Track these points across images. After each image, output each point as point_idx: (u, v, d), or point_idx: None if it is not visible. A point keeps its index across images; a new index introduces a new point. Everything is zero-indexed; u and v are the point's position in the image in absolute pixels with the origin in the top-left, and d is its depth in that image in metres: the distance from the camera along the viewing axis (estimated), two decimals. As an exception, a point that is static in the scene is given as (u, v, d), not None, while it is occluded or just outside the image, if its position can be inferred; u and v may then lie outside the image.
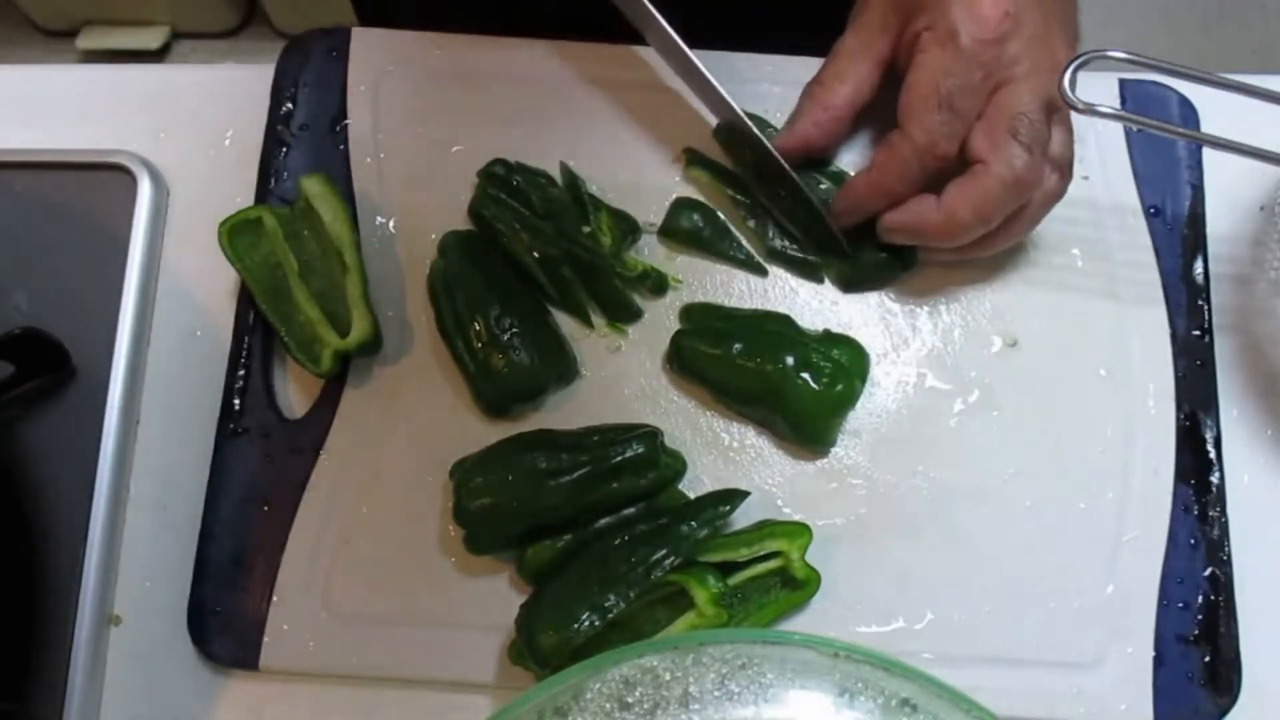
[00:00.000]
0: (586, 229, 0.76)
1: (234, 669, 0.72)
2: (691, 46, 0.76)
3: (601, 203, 0.78)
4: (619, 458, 0.71)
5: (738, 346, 0.73)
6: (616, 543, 0.69)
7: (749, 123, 0.76)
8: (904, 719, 0.52)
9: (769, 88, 0.81)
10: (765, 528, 0.71)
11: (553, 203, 0.77)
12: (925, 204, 0.71)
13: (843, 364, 0.72)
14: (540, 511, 0.70)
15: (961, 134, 0.69)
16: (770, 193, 0.78)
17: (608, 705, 0.52)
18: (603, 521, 0.71)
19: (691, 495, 0.73)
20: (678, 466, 0.73)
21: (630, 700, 0.52)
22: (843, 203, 0.75)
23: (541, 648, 0.66)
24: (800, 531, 0.70)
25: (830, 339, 0.74)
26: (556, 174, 0.79)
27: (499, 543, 0.71)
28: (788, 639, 0.55)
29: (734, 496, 0.71)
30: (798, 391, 0.71)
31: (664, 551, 0.68)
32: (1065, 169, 0.72)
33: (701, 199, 0.79)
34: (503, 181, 0.77)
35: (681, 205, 0.78)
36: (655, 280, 0.77)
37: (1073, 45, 0.71)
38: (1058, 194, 0.72)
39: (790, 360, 0.72)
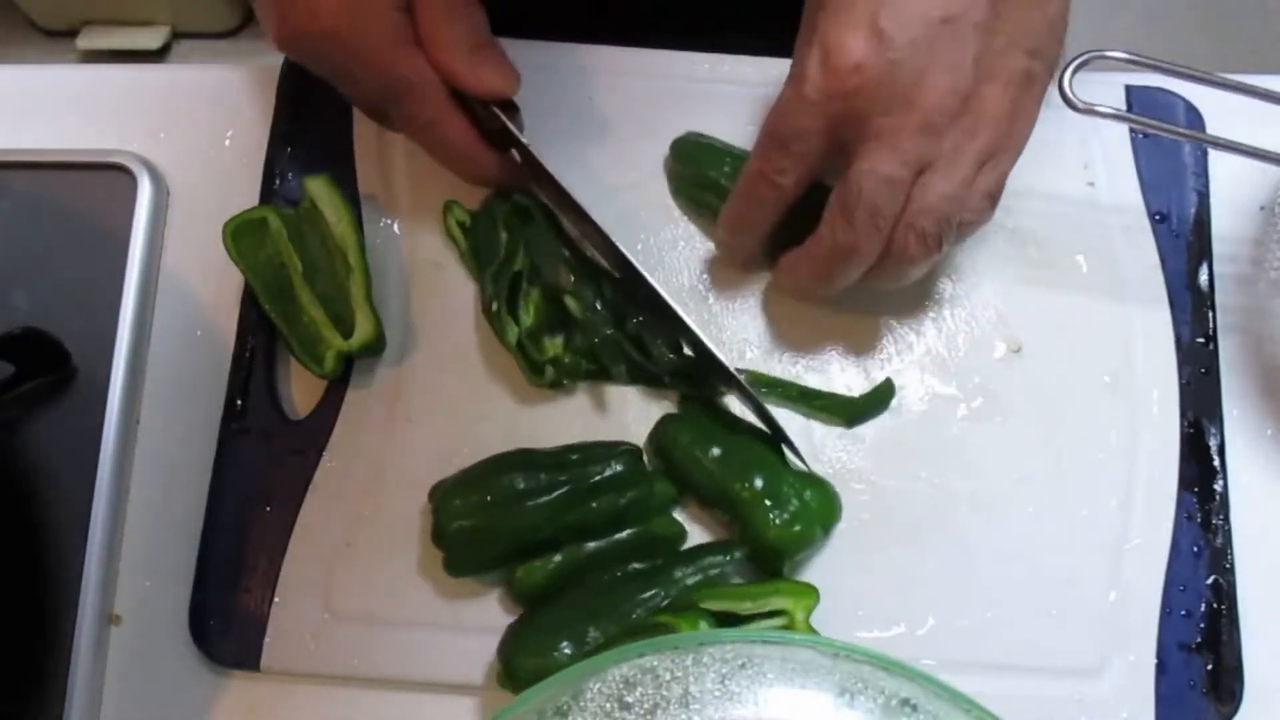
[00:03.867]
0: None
1: (235, 670, 0.73)
2: (649, 45, 0.77)
3: (538, 281, 0.77)
4: (598, 477, 0.71)
5: (715, 451, 0.72)
6: (607, 578, 0.70)
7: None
8: (904, 719, 0.53)
9: (728, 89, 0.81)
10: (772, 585, 0.70)
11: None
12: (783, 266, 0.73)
13: (810, 506, 0.71)
14: (519, 532, 0.70)
15: (799, 174, 0.68)
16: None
17: (608, 705, 0.53)
18: (593, 545, 0.71)
19: (686, 514, 0.74)
20: (671, 494, 0.73)
21: (630, 700, 0.53)
22: (720, 232, 0.76)
23: (517, 673, 0.67)
24: (807, 593, 0.70)
25: (808, 478, 0.72)
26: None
27: (478, 565, 0.72)
28: (788, 639, 0.56)
29: (732, 547, 0.71)
30: (757, 516, 0.70)
31: (653, 592, 0.69)
32: (923, 236, 0.67)
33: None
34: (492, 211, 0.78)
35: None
36: (552, 379, 0.75)
37: (993, 77, 0.65)
38: (911, 261, 0.68)
39: (759, 483, 0.71)
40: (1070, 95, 0.69)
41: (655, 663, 0.54)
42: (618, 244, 0.74)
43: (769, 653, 0.54)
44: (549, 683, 0.55)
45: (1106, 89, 0.82)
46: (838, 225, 0.66)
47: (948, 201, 0.66)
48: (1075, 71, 0.69)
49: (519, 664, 0.67)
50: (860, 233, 0.66)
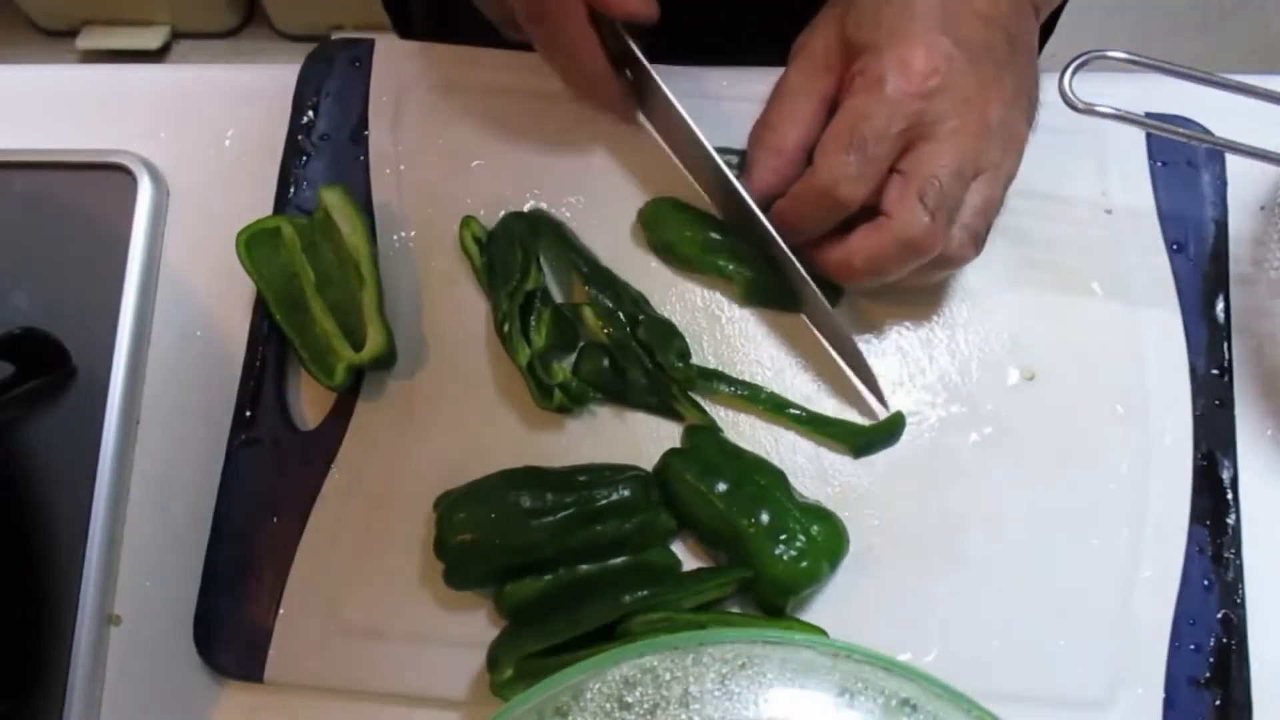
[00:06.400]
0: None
1: (239, 681, 0.75)
2: (670, 61, 0.80)
3: (550, 302, 0.80)
4: (604, 500, 0.73)
5: (721, 486, 0.74)
6: (595, 594, 0.72)
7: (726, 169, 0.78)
8: (904, 719, 0.56)
9: (747, 106, 0.82)
10: (785, 622, 0.72)
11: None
12: (831, 242, 0.75)
13: (817, 541, 0.72)
14: (521, 550, 0.72)
15: (871, 180, 0.71)
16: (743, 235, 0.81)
17: (608, 705, 0.55)
18: (585, 568, 0.74)
19: (682, 548, 0.76)
20: (670, 527, 0.75)
21: (630, 700, 0.55)
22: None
23: (498, 678, 0.70)
24: (818, 637, 0.71)
25: (815, 512, 0.74)
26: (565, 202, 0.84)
27: (478, 579, 0.74)
28: (788, 639, 0.59)
29: (731, 573, 0.73)
30: (763, 554, 0.72)
31: (644, 593, 0.71)
32: (973, 237, 0.74)
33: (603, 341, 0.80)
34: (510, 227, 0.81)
35: (592, 348, 0.80)
36: (560, 403, 0.78)
37: (1014, 106, 0.73)
38: (958, 260, 0.75)
39: (765, 518, 0.72)
40: (1070, 95, 0.71)
41: (655, 663, 0.56)
42: (724, 166, 0.78)
43: (769, 653, 0.56)
44: (549, 682, 0.57)
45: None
46: (914, 217, 0.70)
47: (993, 207, 0.74)
48: (1075, 72, 0.71)
49: (500, 668, 0.70)
50: (938, 226, 0.71)
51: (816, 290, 0.78)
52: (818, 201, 0.73)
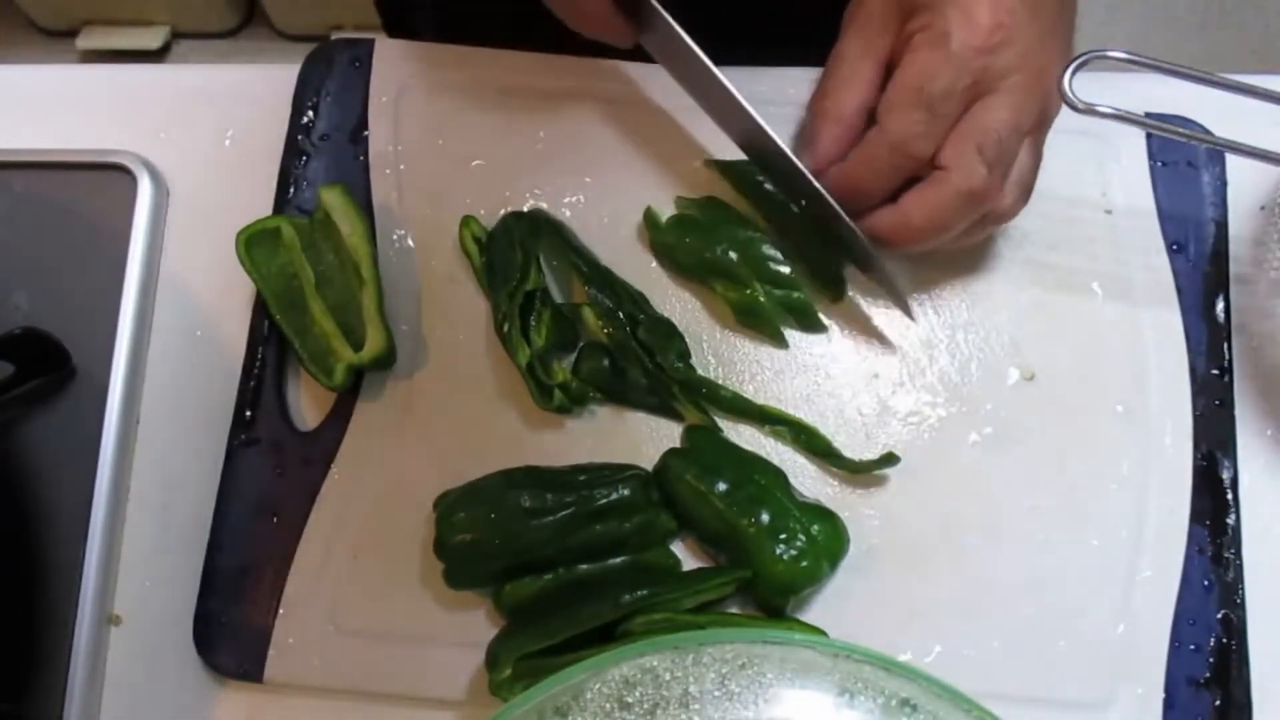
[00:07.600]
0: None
1: (239, 680, 0.75)
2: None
3: (550, 302, 0.80)
4: (604, 500, 0.73)
5: (721, 486, 0.74)
6: (596, 594, 0.72)
7: (775, 137, 0.77)
8: (904, 719, 0.56)
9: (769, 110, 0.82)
10: (785, 623, 0.73)
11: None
12: (880, 207, 0.75)
13: (817, 540, 0.73)
14: (521, 550, 0.72)
15: (938, 136, 0.72)
16: (789, 213, 0.81)
17: (608, 705, 0.55)
18: (585, 568, 0.74)
19: (682, 549, 0.77)
20: (670, 527, 0.75)
21: (630, 700, 0.55)
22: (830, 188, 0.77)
23: (497, 677, 0.70)
24: (819, 637, 0.71)
25: (815, 512, 0.74)
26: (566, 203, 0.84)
27: (478, 579, 0.74)
28: (788, 639, 0.59)
29: (731, 573, 0.73)
30: (762, 554, 0.72)
31: (643, 593, 0.71)
32: (1024, 192, 0.75)
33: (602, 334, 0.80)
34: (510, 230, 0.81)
35: (592, 348, 0.80)
36: (560, 403, 0.78)
37: (1065, 60, 0.72)
38: (1008, 215, 0.76)
39: (765, 518, 0.72)
40: (1070, 95, 0.71)
41: (655, 663, 0.56)
42: (737, 95, 0.77)
43: (769, 653, 0.57)
44: (549, 682, 0.57)
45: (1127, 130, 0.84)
46: (972, 170, 0.71)
47: (1039, 161, 0.76)
48: (1075, 71, 0.71)
49: (499, 668, 0.70)
50: (994, 178, 0.72)
51: (855, 228, 0.77)
52: (889, 159, 0.73)
